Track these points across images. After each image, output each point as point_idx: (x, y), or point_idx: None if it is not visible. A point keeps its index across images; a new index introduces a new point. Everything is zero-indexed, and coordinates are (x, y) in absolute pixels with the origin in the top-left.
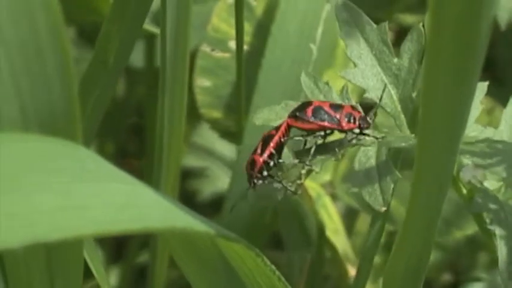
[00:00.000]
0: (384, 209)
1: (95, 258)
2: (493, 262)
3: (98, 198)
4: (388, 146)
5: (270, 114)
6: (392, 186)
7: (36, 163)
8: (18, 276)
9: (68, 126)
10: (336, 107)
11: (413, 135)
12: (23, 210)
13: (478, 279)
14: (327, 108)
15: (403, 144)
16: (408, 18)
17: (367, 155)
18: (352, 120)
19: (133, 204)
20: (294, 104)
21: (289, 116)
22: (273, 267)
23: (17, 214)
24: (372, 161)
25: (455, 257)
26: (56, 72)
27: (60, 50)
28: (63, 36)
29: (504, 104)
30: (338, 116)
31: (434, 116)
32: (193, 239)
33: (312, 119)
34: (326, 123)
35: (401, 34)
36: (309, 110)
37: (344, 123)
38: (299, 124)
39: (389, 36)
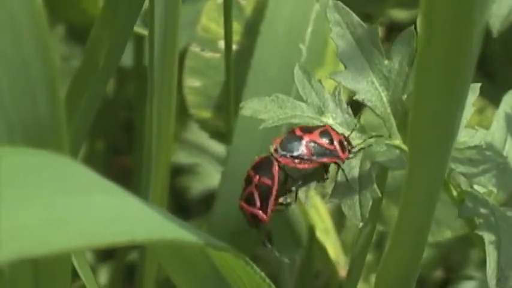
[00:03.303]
0: (361, 224)
1: (82, 262)
2: (485, 260)
3: (84, 211)
4: (372, 160)
5: (260, 106)
6: (371, 201)
7: (21, 176)
8: None
9: (54, 138)
10: (324, 135)
11: (397, 150)
12: (8, 226)
13: (470, 278)
14: (319, 140)
15: (387, 158)
16: (400, 14)
17: (350, 165)
18: (344, 148)
19: (120, 216)
20: (285, 99)
21: (281, 156)
22: (263, 274)
23: (1, 229)
24: (355, 172)
25: (447, 254)
26: (41, 85)
27: (45, 62)
28: (49, 48)
29: (496, 100)
30: (333, 147)
31: (426, 121)
32: (181, 248)
33: (313, 158)
34: (326, 159)
35: (393, 29)
36: (305, 148)
37: (342, 154)
38: (295, 164)
39: (381, 32)
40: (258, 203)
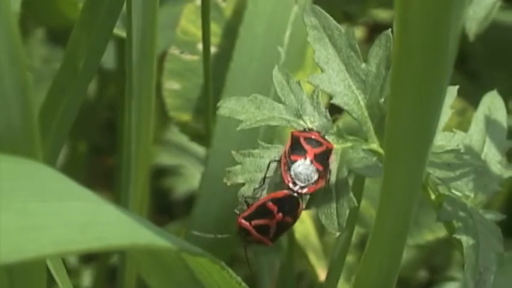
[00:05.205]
0: (338, 233)
1: (58, 266)
2: None
3: (59, 217)
4: (349, 167)
5: (237, 106)
6: (347, 211)
7: None
8: None
9: (27, 144)
10: (311, 141)
11: (374, 157)
12: None
13: (453, 279)
14: (317, 150)
15: (364, 165)
16: (382, 14)
17: None
18: (325, 137)
19: (95, 223)
20: (263, 100)
21: (303, 188)
22: (239, 279)
23: None
24: (332, 179)
25: (430, 255)
26: (13, 92)
27: (17, 70)
28: (21, 57)
29: (476, 101)
30: (324, 146)
31: (402, 124)
32: (157, 253)
33: (326, 168)
34: (329, 159)
35: (375, 30)
36: (316, 165)
37: (330, 144)
38: (318, 186)
39: (363, 32)
40: (272, 235)
